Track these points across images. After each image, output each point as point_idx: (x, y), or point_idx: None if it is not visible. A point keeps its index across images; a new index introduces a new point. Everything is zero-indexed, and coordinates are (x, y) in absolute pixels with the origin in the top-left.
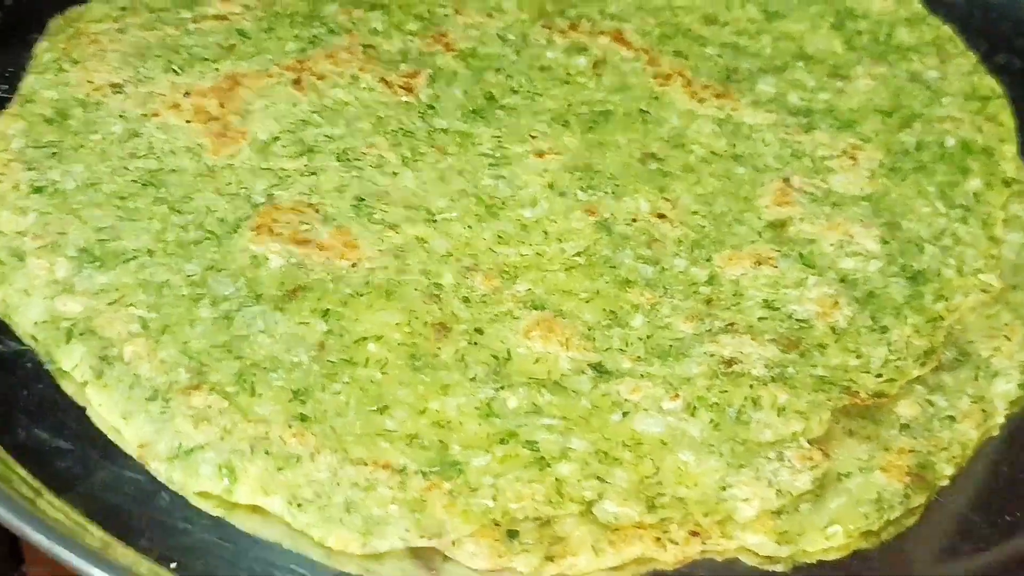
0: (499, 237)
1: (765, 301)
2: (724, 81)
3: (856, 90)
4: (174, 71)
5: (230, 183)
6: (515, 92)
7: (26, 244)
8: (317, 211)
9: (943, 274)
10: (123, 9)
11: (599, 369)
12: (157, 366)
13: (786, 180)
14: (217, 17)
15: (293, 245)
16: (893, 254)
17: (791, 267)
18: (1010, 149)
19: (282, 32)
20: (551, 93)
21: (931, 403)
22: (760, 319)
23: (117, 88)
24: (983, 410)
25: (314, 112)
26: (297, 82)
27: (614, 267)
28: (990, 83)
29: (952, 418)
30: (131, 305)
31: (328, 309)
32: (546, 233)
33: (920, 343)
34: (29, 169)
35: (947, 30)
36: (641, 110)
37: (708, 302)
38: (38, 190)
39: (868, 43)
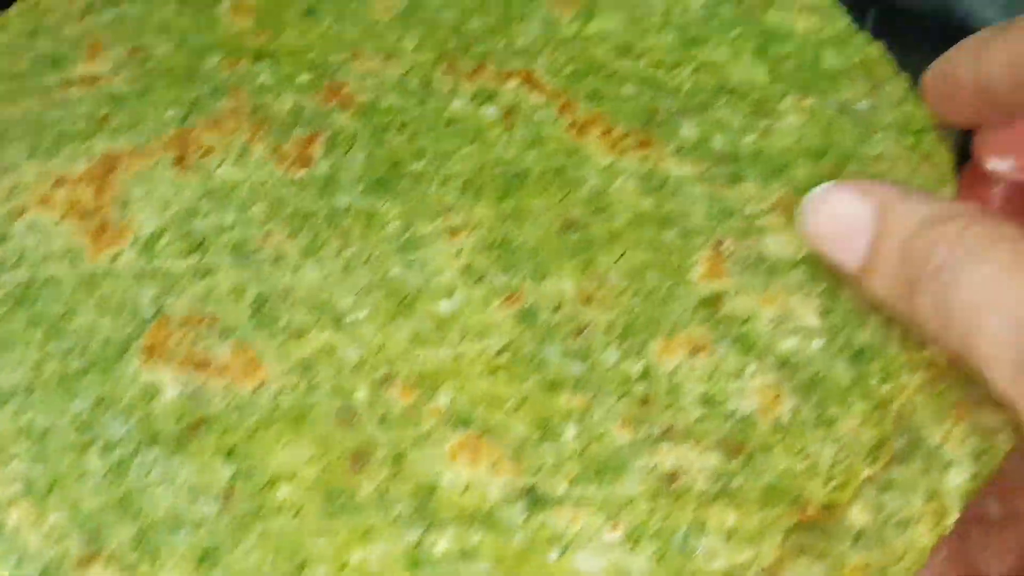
0: (414, 337)
1: (704, 396)
2: (645, 126)
3: (784, 128)
4: (40, 155)
5: (114, 293)
6: (421, 155)
7: None
8: (213, 323)
9: (887, 350)
10: None
11: (533, 495)
12: (46, 534)
13: (717, 244)
14: (85, 80)
15: (189, 369)
16: (835, 328)
17: (728, 353)
18: (949, 191)
19: (159, 95)
20: (460, 153)
21: (883, 505)
22: (699, 420)
23: None
24: (936, 510)
25: (201, 197)
26: (180, 160)
27: (540, 366)
28: (923, 113)
29: (906, 522)
30: (14, 458)
31: (233, 446)
32: (465, 329)
33: (869, 434)
34: None
35: (875, 49)
36: (558, 169)
37: (644, 401)
38: None
39: (794, 70)
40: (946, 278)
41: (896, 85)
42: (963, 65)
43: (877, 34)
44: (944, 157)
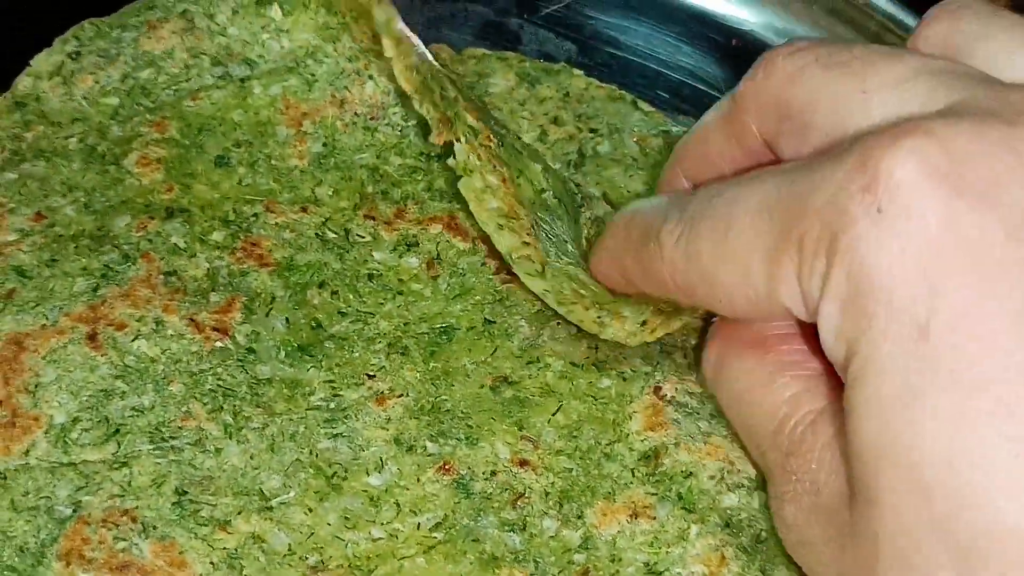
0: (345, 519)
1: (646, 565)
2: None
3: None
4: None
5: (27, 493)
6: (343, 315)
7: None
8: (134, 520)
9: None
10: None
11: None
12: None
13: (656, 390)
14: None
15: (110, 574)
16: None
17: (670, 515)
18: None
19: (68, 265)
20: (384, 310)
21: None
22: None
23: None
24: None
25: (117, 377)
26: (92, 338)
27: (477, 540)
28: None
29: None
30: None
31: None
32: (398, 505)
33: None
34: None
35: None
36: (487, 319)
37: (585, 574)
38: None
39: None
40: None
41: None
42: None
43: None
44: None
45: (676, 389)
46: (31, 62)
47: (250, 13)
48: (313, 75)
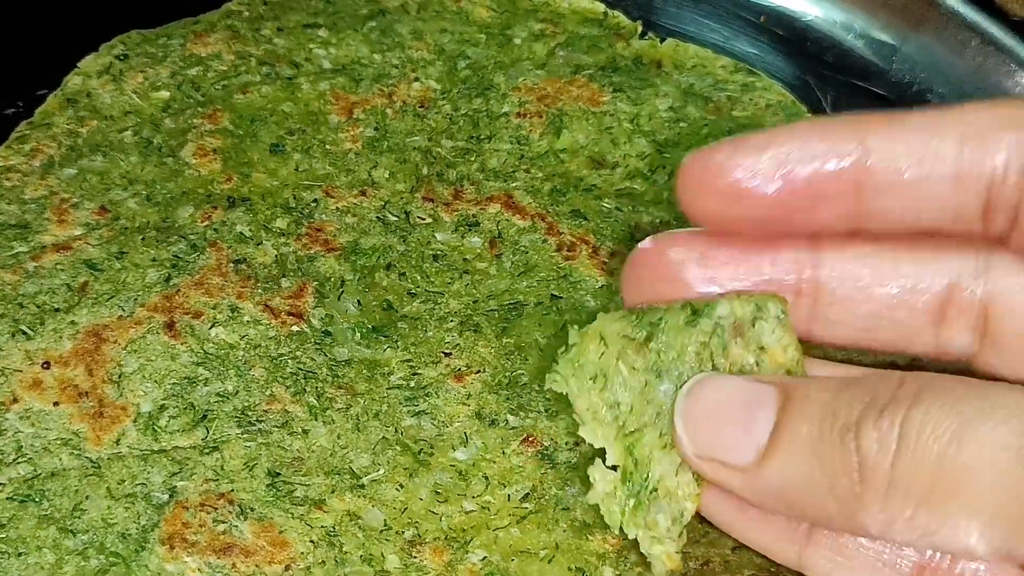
0: (437, 494)
1: None
2: (629, 242)
3: None
4: (23, 334)
5: (123, 480)
6: (413, 295)
7: None
8: (231, 502)
9: None
10: None
11: None
12: None
13: None
14: (58, 247)
15: (213, 556)
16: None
17: None
18: None
19: (137, 256)
20: (452, 290)
21: None
22: (734, 549)
23: None
24: None
25: (198, 364)
26: (170, 327)
27: (568, 509)
28: None
29: None
30: None
31: None
32: (486, 478)
33: None
34: None
35: None
36: (553, 295)
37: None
38: None
39: None
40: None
41: None
42: (724, 165)
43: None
44: None
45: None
46: (79, 64)
47: (297, 31)
48: (360, 75)
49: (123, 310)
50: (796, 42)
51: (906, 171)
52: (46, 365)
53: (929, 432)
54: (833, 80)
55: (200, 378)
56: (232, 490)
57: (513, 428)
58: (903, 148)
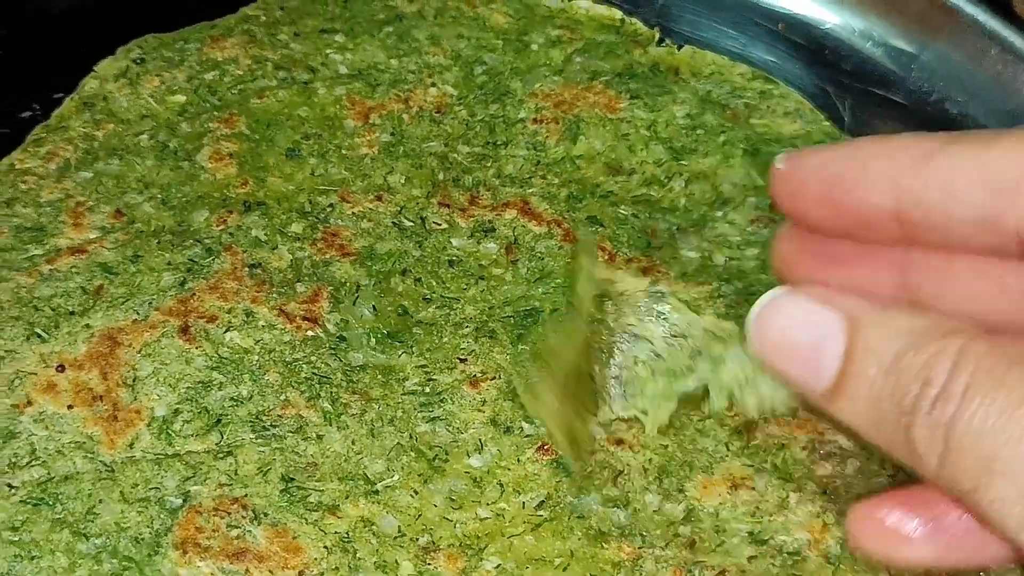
0: (451, 500)
1: (751, 535)
2: (645, 249)
3: None
4: (38, 336)
5: (136, 484)
6: (428, 301)
7: None
8: (244, 507)
9: None
10: None
11: None
12: None
13: None
14: (73, 250)
15: (226, 561)
16: (868, 447)
17: (768, 484)
18: None
19: (152, 260)
20: (468, 295)
21: None
22: (750, 559)
23: None
24: None
25: (212, 368)
26: (184, 331)
27: (582, 517)
28: None
29: None
30: None
31: None
32: (501, 485)
33: None
34: None
35: None
36: (569, 302)
37: (691, 545)
38: None
39: None
40: (950, 410)
41: None
42: (825, 172)
43: (854, 124)
44: None
45: None
46: (95, 68)
47: (313, 36)
48: (376, 80)
49: (138, 314)
50: (814, 50)
51: (934, 215)
52: (60, 368)
53: (977, 421)
54: (851, 88)
55: (214, 382)
56: (246, 495)
57: (528, 435)
58: (930, 195)
